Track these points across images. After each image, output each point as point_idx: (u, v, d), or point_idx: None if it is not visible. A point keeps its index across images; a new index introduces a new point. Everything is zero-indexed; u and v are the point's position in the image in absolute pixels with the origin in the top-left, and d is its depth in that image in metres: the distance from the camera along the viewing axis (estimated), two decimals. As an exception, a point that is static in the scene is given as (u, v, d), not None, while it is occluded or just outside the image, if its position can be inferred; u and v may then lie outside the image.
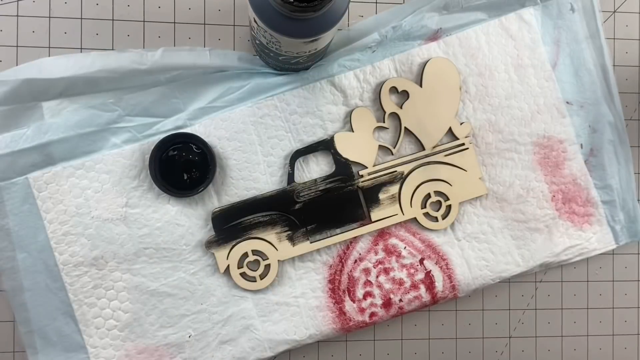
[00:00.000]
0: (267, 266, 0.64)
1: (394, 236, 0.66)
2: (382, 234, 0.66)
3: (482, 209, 0.67)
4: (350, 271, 0.65)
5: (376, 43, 0.65)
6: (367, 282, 0.66)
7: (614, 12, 0.70)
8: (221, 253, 0.63)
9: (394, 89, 0.65)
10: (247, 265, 0.64)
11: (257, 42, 0.58)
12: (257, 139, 0.64)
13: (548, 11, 0.67)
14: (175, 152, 0.62)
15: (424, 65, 0.65)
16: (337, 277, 0.65)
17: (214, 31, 0.65)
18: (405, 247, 0.66)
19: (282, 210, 0.64)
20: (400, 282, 0.66)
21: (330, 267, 0.65)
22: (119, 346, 0.63)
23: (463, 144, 0.66)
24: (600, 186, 0.68)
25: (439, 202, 0.66)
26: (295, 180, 0.64)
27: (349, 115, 0.65)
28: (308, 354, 0.67)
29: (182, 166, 0.62)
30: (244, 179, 0.64)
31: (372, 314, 0.66)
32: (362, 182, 0.65)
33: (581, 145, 0.68)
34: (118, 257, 0.62)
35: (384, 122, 0.65)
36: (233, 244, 0.63)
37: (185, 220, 0.63)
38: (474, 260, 0.66)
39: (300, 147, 0.64)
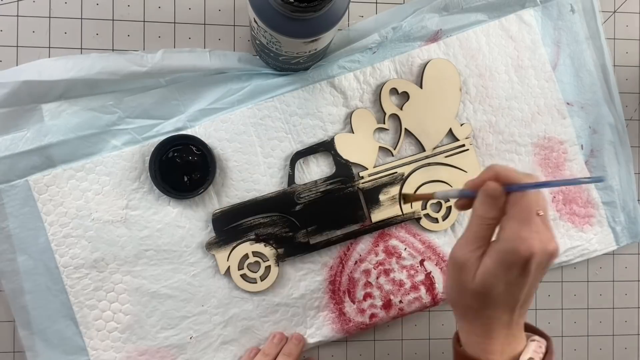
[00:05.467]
0: (268, 267, 0.64)
1: (394, 237, 0.66)
2: (382, 235, 0.66)
3: (483, 210, 0.67)
4: (351, 272, 0.65)
5: (376, 44, 0.65)
6: (368, 284, 0.66)
7: (614, 12, 0.70)
8: (222, 254, 0.63)
9: (394, 90, 0.65)
10: (247, 266, 0.64)
11: (257, 42, 0.58)
12: (257, 140, 0.64)
13: (548, 12, 0.67)
14: (176, 154, 0.62)
15: (424, 67, 0.65)
16: (337, 279, 0.65)
17: (214, 31, 0.65)
18: (405, 249, 0.66)
19: (283, 211, 0.64)
20: (401, 284, 0.66)
21: (331, 268, 0.65)
22: (120, 348, 0.63)
23: (463, 145, 0.66)
24: (601, 187, 0.68)
25: (440, 203, 0.66)
26: (296, 181, 0.64)
27: (349, 116, 0.65)
28: (308, 353, 0.67)
29: (182, 168, 0.62)
30: (244, 181, 0.64)
31: (372, 315, 0.66)
32: (362, 183, 0.65)
33: (582, 146, 0.68)
34: (119, 259, 0.63)
35: (384, 123, 0.65)
36: (234, 245, 0.63)
37: (186, 222, 0.63)
38: (474, 261, 0.66)
39: (301, 149, 0.64)
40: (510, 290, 0.45)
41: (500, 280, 0.45)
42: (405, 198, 0.64)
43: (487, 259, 0.45)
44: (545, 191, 0.67)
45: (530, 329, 0.52)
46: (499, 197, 0.45)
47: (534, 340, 0.49)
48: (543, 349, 0.48)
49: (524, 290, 0.46)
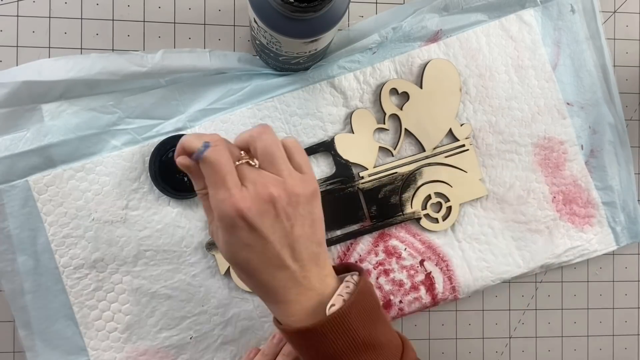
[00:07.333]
0: (268, 268, 0.64)
1: (394, 237, 0.66)
2: (382, 235, 0.66)
3: (483, 210, 0.67)
4: (351, 272, 0.65)
5: (376, 44, 0.65)
6: (368, 284, 0.66)
7: (614, 12, 0.70)
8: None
9: (394, 90, 0.65)
10: (247, 266, 0.64)
11: (257, 42, 0.58)
12: (257, 140, 0.64)
13: (548, 12, 0.67)
14: (176, 154, 0.62)
15: (424, 67, 0.65)
16: (337, 279, 0.65)
17: (214, 31, 0.65)
18: (405, 249, 0.66)
19: (283, 211, 0.64)
20: (401, 284, 0.66)
21: (331, 268, 0.65)
22: (120, 348, 0.63)
23: (463, 145, 0.65)
24: (601, 187, 0.68)
25: (440, 204, 0.66)
26: (296, 181, 0.64)
27: (349, 116, 0.64)
28: (308, 354, 0.67)
29: (182, 168, 0.62)
30: (244, 181, 0.64)
31: (372, 315, 0.66)
32: (362, 183, 0.65)
33: (582, 146, 0.68)
34: (118, 259, 0.62)
35: (384, 123, 0.65)
36: (233, 245, 0.63)
37: (186, 222, 0.63)
38: (474, 261, 0.66)
39: (301, 149, 0.64)
40: (254, 250, 0.44)
41: (233, 245, 0.44)
42: None
43: (214, 231, 0.45)
44: (545, 191, 0.67)
45: (346, 268, 0.50)
46: (191, 168, 0.46)
47: (343, 282, 0.47)
48: (351, 286, 0.46)
49: (276, 243, 0.44)
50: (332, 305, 0.44)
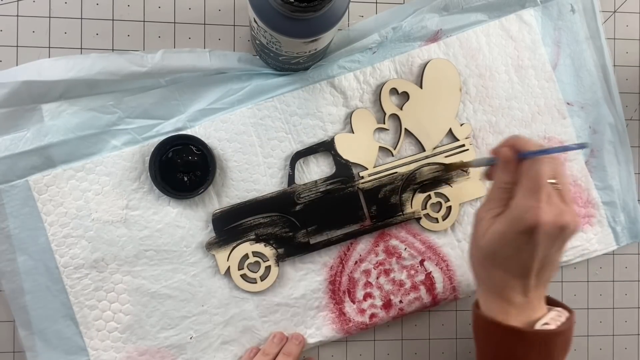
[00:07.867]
0: (268, 267, 0.64)
1: (394, 237, 0.66)
2: (382, 235, 0.66)
3: (483, 210, 0.67)
4: (351, 272, 0.65)
5: (376, 44, 0.65)
6: (368, 283, 0.66)
7: (614, 12, 0.70)
8: (222, 254, 0.63)
9: (394, 90, 0.65)
10: (247, 266, 0.64)
11: (257, 42, 0.58)
12: (257, 140, 0.64)
13: (548, 12, 0.67)
14: (176, 154, 0.62)
15: (424, 67, 0.65)
16: (337, 279, 0.65)
17: (214, 31, 0.65)
18: (405, 249, 0.66)
19: (283, 211, 0.64)
20: (401, 284, 0.66)
21: (331, 268, 0.65)
22: (120, 348, 0.63)
23: (463, 145, 0.65)
24: (601, 187, 0.68)
25: (440, 204, 0.66)
26: (296, 181, 0.64)
27: (349, 116, 0.64)
28: (308, 353, 0.67)
29: (182, 168, 0.62)
30: (244, 181, 0.64)
31: (372, 315, 0.66)
32: (362, 183, 0.65)
33: (582, 146, 0.68)
34: (119, 259, 0.63)
35: (384, 123, 0.65)
36: (234, 245, 0.63)
37: (186, 222, 0.63)
38: (474, 261, 0.66)
39: (301, 149, 0.64)
40: (519, 256, 0.47)
41: (507, 244, 0.47)
42: (447, 167, 0.65)
43: (498, 221, 0.48)
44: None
45: (555, 303, 0.53)
46: (510, 163, 0.48)
47: (554, 310, 0.50)
48: (562, 319, 0.50)
49: (535, 258, 0.47)
50: (546, 324, 0.49)
